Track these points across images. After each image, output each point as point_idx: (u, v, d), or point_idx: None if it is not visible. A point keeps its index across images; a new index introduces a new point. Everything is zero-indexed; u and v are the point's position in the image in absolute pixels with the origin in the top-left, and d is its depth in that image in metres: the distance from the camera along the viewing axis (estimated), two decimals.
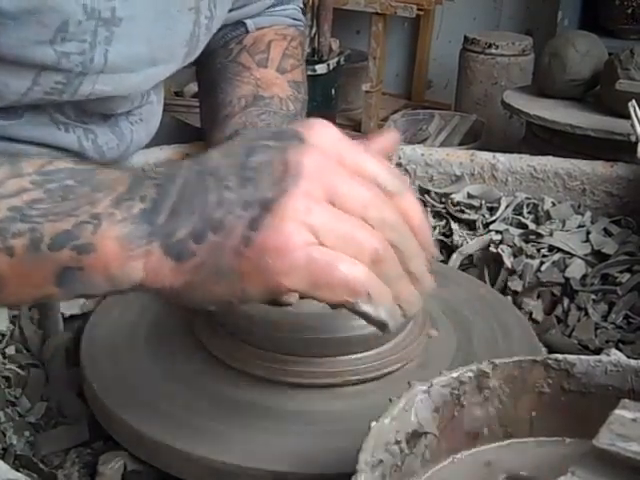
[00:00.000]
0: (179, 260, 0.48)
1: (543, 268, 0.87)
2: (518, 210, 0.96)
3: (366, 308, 0.49)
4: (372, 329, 0.63)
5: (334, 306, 0.50)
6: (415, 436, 0.48)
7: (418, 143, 2.06)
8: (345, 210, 0.49)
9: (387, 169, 0.52)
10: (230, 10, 0.94)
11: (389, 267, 0.50)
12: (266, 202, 0.47)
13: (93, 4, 0.69)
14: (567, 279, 0.86)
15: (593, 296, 0.84)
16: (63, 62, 0.70)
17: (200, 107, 0.99)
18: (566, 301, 0.85)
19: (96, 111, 0.81)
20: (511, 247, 0.90)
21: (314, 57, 2.72)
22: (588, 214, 0.95)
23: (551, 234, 0.91)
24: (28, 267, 0.49)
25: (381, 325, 0.51)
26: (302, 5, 1.07)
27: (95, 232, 0.48)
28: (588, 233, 0.92)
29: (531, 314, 0.85)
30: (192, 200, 0.49)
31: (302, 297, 0.51)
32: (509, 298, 0.86)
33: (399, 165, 1.01)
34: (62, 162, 0.52)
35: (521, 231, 0.92)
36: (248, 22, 0.98)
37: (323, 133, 0.51)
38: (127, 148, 0.85)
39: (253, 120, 0.86)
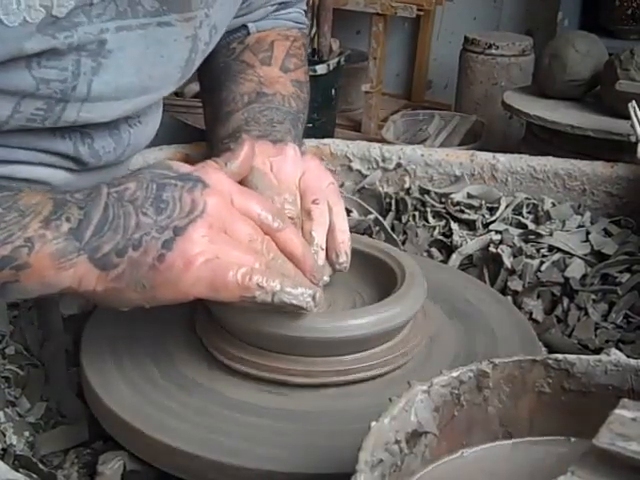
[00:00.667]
0: (104, 270, 0.59)
1: (543, 268, 0.87)
2: (518, 210, 0.96)
3: (264, 297, 0.59)
4: (372, 329, 0.64)
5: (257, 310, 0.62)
6: (415, 436, 0.48)
7: (418, 143, 2.05)
8: (236, 240, 0.61)
9: (269, 209, 0.64)
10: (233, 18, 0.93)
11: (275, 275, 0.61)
12: (177, 229, 0.59)
13: (75, 39, 0.68)
14: (567, 279, 0.86)
15: (593, 296, 0.84)
16: (42, 88, 0.69)
17: (203, 106, 0.99)
18: (566, 301, 0.85)
19: None
20: (511, 247, 0.90)
21: (314, 57, 2.72)
22: (588, 214, 0.95)
23: (551, 234, 0.91)
24: None
25: (293, 307, 0.61)
26: (305, 7, 1.06)
27: (30, 253, 0.57)
28: (588, 233, 0.92)
29: (531, 314, 0.85)
30: (114, 222, 0.59)
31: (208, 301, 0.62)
32: (509, 298, 0.86)
33: (399, 165, 1.01)
34: None
35: (521, 231, 0.92)
36: (250, 25, 0.98)
37: (218, 179, 0.63)
38: (124, 151, 0.84)
39: (255, 116, 0.85)
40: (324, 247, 0.70)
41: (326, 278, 0.69)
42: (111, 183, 0.62)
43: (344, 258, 0.70)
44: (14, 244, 0.58)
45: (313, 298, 0.61)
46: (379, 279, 0.73)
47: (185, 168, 0.64)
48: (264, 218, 0.64)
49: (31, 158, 0.77)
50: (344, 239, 0.71)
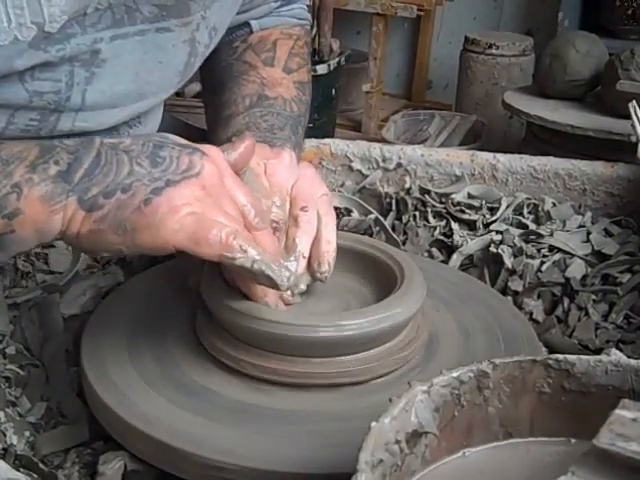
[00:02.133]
0: (90, 211, 0.59)
1: (543, 268, 0.87)
2: (518, 210, 0.96)
3: (243, 261, 0.59)
4: (372, 329, 0.64)
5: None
6: (415, 436, 0.48)
7: (418, 143, 2.05)
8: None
9: (254, 204, 0.64)
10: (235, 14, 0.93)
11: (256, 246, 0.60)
12: (170, 181, 0.59)
13: (67, 50, 0.67)
14: (567, 279, 0.86)
15: (593, 296, 0.84)
16: (35, 100, 0.68)
17: (205, 107, 0.98)
18: (566, 301, 0.85)
19: None
20: (511, 247, 0.90)
21: (315, 57, 2.71)
22: (588, 214, 0.95)
23: (551, 234, 0.91)
24: None
25: (269, 280, 0.59)
26: (308, 2, 1.05)
27: (19, 199, 0.57)
28: (588, 233, 0.92)
29: (531, 314, 0.85)
30: (106, 167, 0.59)
31: (184, 253, 0.60)
32: (509, 298, 0.86)
33: (399, 165, 1.01)
34: None
35: (521, 231, 0.92)
36: (253, 22, 0.97)
37: (217, 154, 0.64)
38: None
39: (256, 121, 0.84)
40: (306, 255, 0.70)
41: (302, 286, 0.69)
42: (104, 137, 0.62)
43: (326, 267, 0.69)
44: (1, 192, 0.57)
45: (289, 278, 0.60)
46: (379, 279, 0.73)
47: (183, 141, 0.64)
48: (247, 210, 0.63)
49: None
50: (329, 249, 0.70)
